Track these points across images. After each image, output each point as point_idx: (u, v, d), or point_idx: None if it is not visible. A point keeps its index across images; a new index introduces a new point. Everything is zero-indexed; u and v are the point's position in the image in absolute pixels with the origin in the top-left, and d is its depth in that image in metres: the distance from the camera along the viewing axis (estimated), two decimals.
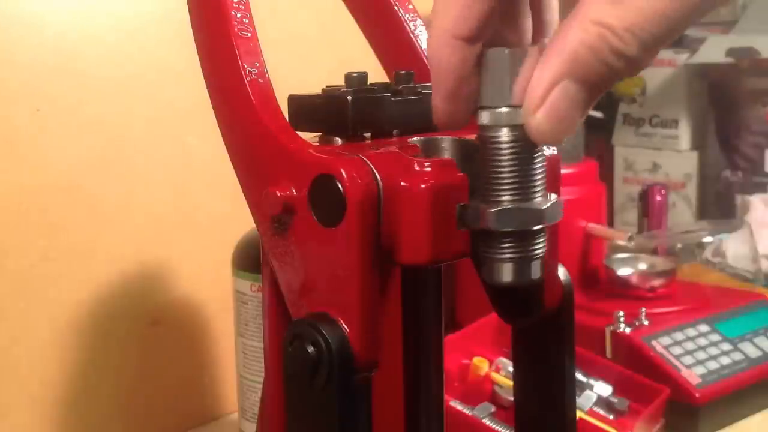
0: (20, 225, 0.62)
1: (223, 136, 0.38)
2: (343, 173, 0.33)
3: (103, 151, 0.66)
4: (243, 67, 0.37)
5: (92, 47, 0.65)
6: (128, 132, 0.67)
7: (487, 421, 0.62)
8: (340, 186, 0.33)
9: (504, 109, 0.33)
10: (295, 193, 0.35)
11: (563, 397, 0.41)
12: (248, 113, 0.37)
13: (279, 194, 0.35)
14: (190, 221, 0.71)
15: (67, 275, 0.64)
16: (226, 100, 0.38)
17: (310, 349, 0.33)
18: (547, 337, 0.40)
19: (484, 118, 0.33)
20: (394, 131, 0.39)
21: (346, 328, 0.34)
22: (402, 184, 0.33)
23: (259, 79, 0.37)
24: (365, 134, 0.38)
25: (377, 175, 0.33)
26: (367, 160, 0.34)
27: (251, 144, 0.37)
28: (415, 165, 0.34)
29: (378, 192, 0.33)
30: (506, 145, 0.33)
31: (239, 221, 0.52)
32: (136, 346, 0.69)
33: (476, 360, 0.68)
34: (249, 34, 0.38)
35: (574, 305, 0.40)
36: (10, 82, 0.61)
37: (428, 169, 0.33)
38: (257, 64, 0.37)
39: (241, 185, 0.38)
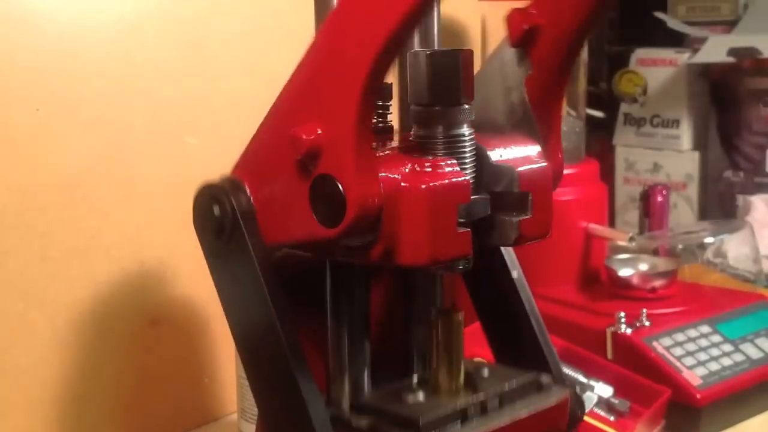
0: (20, 225, 0.61)
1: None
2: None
3: (103, 151, 0.65)
4: None
5: (92, 47, 0.65)
6: (128, 132, 0.67)
7: None
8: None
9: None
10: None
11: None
12: None
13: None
14: (190, 221, 0.71)
15: (67, 275, 0.64)
16: None
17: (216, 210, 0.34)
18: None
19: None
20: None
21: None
22: (402, 184, 0.33)
23: None
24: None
25: (377, 175, 0.33)
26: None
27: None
28: (416, 165, 0.34)
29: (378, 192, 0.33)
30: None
31: None
32: (136, 346, 0.68)
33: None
34: None
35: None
36: (9, 81, 0.60)
37: (428, 169, 0.33)
38: None
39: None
